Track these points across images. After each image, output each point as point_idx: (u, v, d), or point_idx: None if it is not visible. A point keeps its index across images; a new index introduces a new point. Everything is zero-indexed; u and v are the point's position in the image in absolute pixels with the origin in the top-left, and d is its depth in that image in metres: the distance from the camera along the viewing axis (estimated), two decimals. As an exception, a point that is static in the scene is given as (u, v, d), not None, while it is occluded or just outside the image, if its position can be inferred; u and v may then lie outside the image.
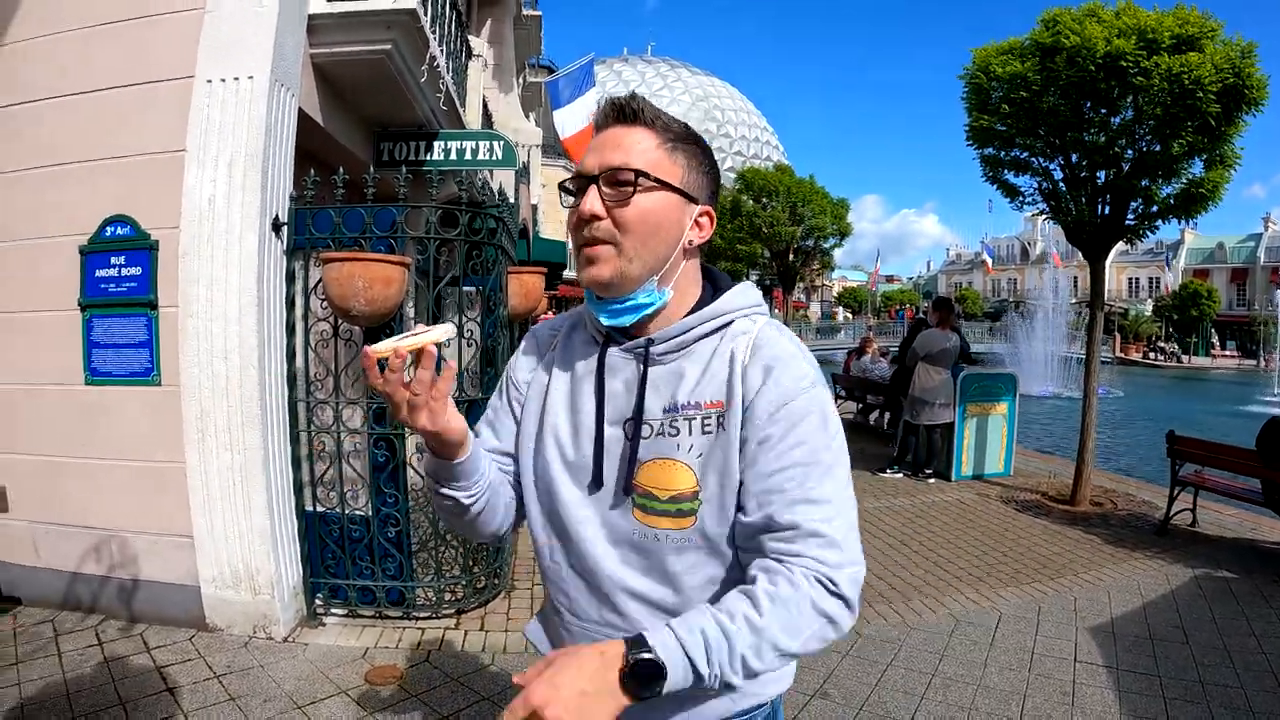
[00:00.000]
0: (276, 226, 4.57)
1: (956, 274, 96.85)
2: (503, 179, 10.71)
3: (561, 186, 1.43)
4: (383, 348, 1.23)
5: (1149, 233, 7.96)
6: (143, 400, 4.60)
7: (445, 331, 1.27)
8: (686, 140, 1.40)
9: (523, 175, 12.40)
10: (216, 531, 4.50)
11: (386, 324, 4.54)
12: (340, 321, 4.55)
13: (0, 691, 3.87)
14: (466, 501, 1.43)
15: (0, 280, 4.81)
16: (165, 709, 3.75)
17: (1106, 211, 7.78)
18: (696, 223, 1.41)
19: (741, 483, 1.34)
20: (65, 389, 4.71)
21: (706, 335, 1.41)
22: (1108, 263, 8.28)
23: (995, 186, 8.55)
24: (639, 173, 1.32)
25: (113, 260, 4.57)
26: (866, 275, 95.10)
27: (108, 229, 4.57)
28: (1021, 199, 8.50)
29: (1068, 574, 6.11)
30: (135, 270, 4.54)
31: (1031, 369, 33.04)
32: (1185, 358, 59.14)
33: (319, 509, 4.78)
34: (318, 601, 4.81)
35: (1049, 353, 37.20)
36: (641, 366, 1.40)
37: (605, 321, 1.40)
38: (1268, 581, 5.98)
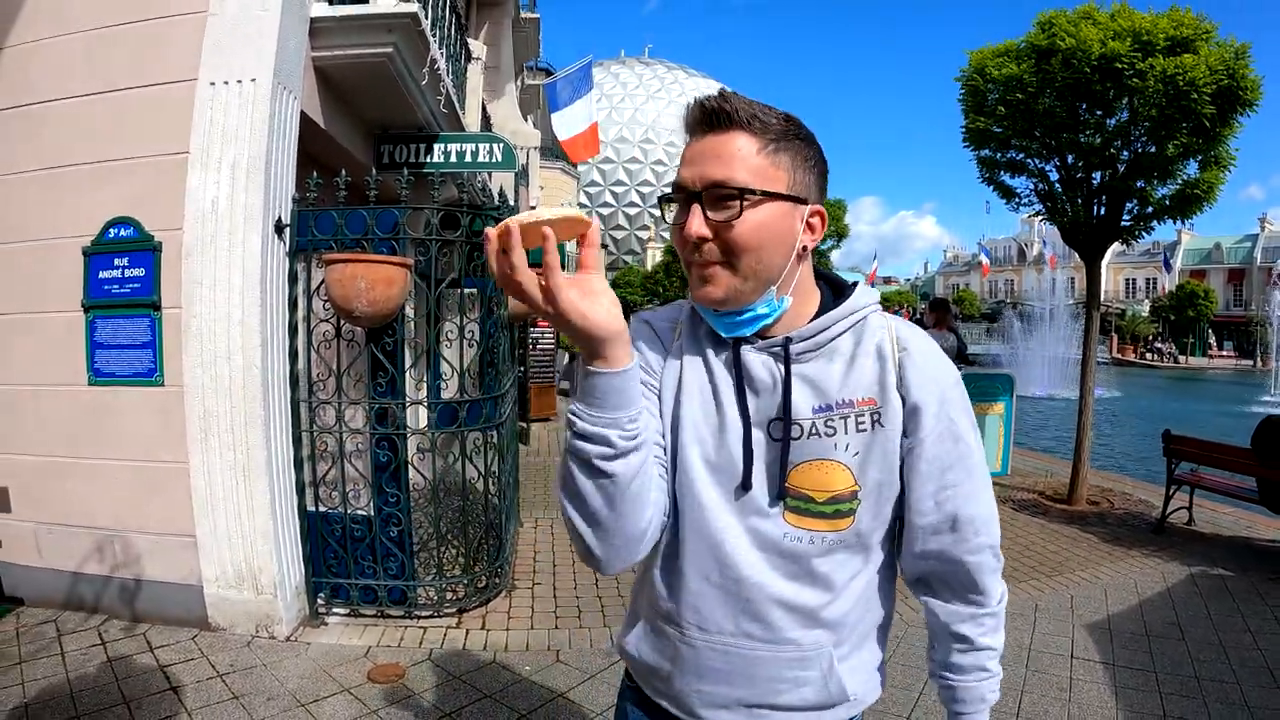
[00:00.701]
0: (279, 228, 4.60)
1: (954, 275, 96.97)
2: (502, 181, 10.76)
3: (662, 200, 1.36)
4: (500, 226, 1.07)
5: (1144, 234, 7.99)
6: (146, 401, 4.62)
7: (570, 209, 1.10)
8: (788, 137, 1.29)
9: (522, 177, 12.44)
10: (219, 531, 4.53)
11: (388, 326, 4.57)
12: (342, 322, 4.59)
13: (3, 691, 3.88)
14: (624, 444, 1.18)
15: (4, 281, 4.84)
16: (169, 708, 3.78)
17: (1102, 212, 7.81)
18: (808, 225, 1.32)
19: (905, 480, 1.36)
20: (69, 389, 4.73)
21: (843, 333, 1.36)
22: (1105, 263, 8.29)
23: (991, 188, 8.56)
24: (744, 190, 1.23)
25: (116, 262, 4.60)
26: (863, 277, 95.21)
27: (111, 230, 4.60)
28: (1018, 200, 8.53)
29: (1065, 572, 6.14)
30: (138, 271, 4.57)
31: (1028, 370, 33.07)
32: (1182, 358, 59.22)
33: (321, 509, 4.80)
34: (320, 601, 4.83)
35: (1045, 353, 37.22)
36: (782, 366, 1.33)
37: (724, 333, 1.35)
38: (1263, 579, 6.02)
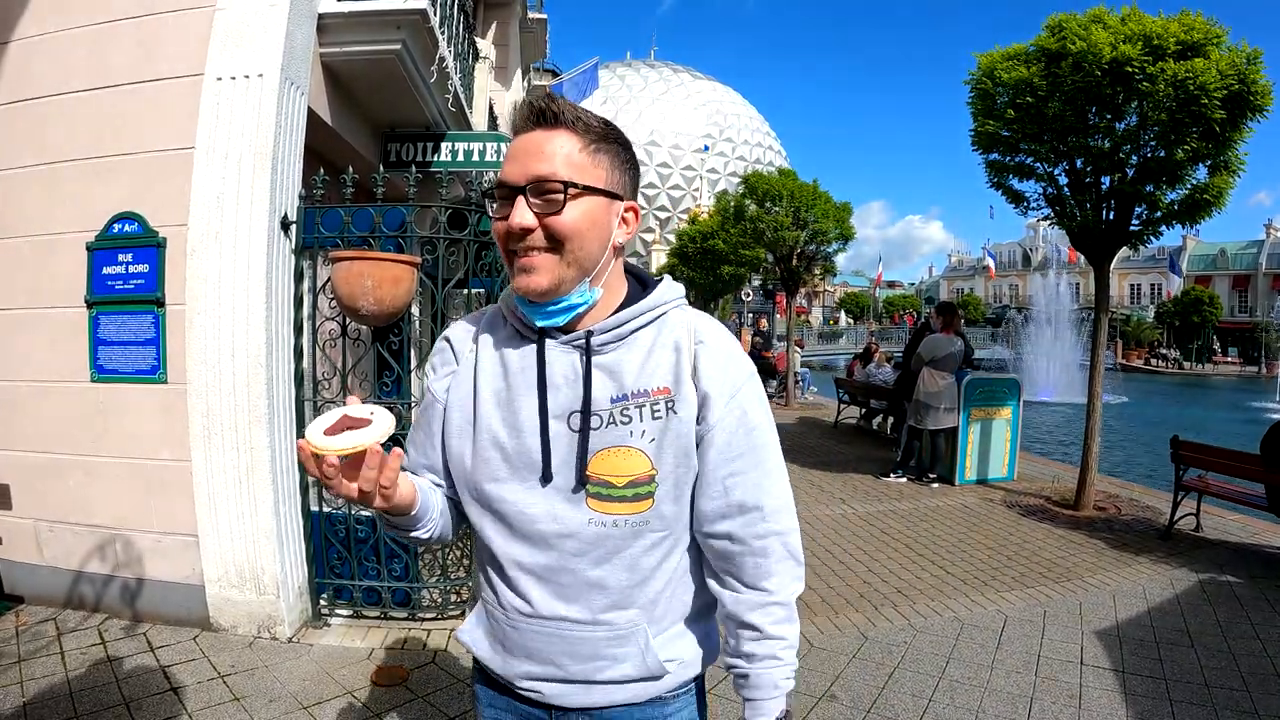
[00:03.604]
0: (285, 225, 4.58)
1: (958, 280, 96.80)
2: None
3: (485, 194, 1.44)
4: (321, 446, 1.19)
5: (1153, 238, 7.95)
6: (149, 398, 4.60)
7: (386, 425, 1.25)
8: (608, 139, 1.40)
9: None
10: (222, 531, 4.50)
11: (394, 325, 4.54)
12: (348, 321, 4.56)
13: (2, 690, 3.86)
14: (425, 536, 1.51)
15: (7, 277, 4.82)
16: (169, 709, 3.75)
17: (1111, 217, 7.78)
18: (623, 219, 1.43)
19: (698, 467, 1.43)
20: (71, 386, 4.71)
21: (644, 326, 1.44)
22: (1110, 268, 8.26)
23: (1000, 192, 8.53)
24: (567, 184, 1.32)
25: (120, 257, 4.58)
26: (869, 281, 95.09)
27: (115, 226, 4.57)
28: (1026, 204, 8.49)
29: (1072, 578, 6.10)
30: (143, 267, 4.55)
31: (1034, 375, 33.05)
32: (1187, 364, 59.17)
33: (325, 509, 4.78)
34: (323, 602, 4.81)
35: (1051, 358, 37.19)
36: (584, 358, 1.41)
37: (539, 323, 1.41)
38: (1272, 586, 5.97)
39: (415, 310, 4.88)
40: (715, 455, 1.41)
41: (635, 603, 1.43)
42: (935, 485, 9.50)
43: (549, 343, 1.43)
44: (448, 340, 1.59)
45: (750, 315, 34.45)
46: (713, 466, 1.42)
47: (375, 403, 4.55)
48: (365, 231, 4.53)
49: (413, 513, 1.42)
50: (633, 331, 1.43)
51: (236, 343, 4.41)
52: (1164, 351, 61.69)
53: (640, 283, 1.53)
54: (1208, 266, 71.23)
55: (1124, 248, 8.16)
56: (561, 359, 1.42)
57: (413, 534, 1.48)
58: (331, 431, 1.21)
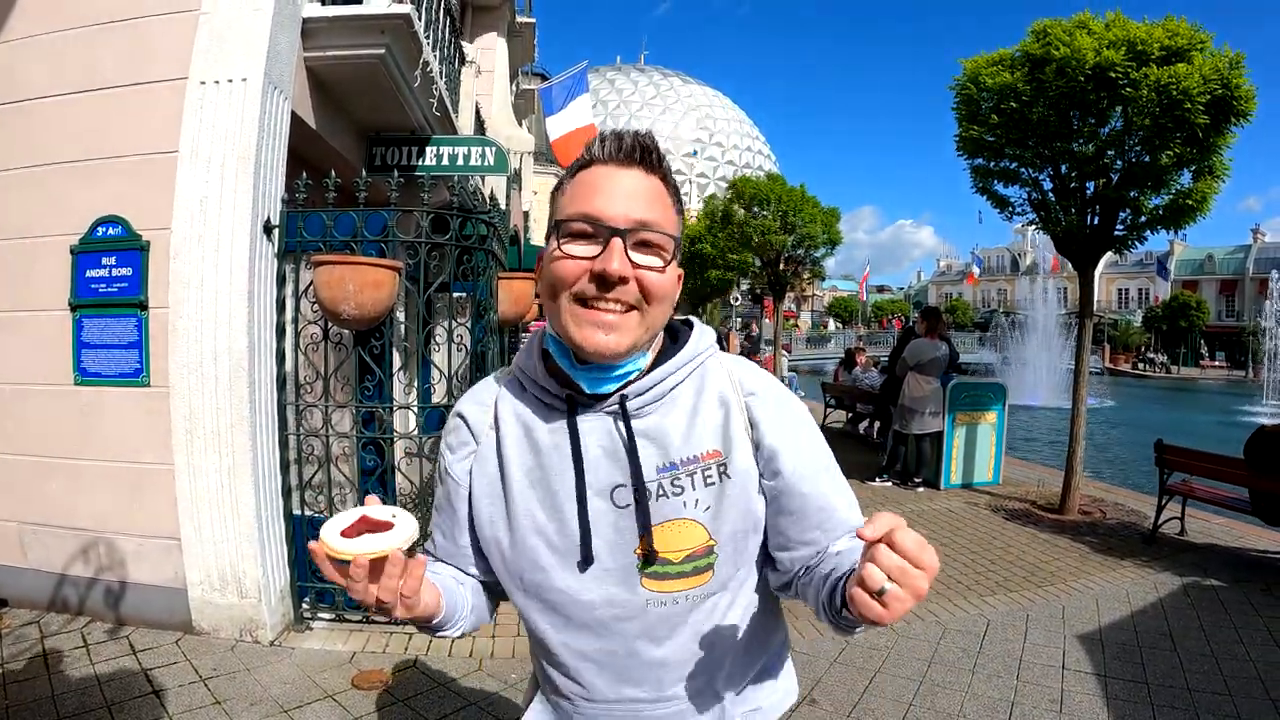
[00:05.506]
0: (268, 229, 4.57)
1: (947, 284, 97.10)
2: (494, 185, 10.73)
3: (559, 225, 1.24)
4: (339, 550, 1.09)
5: (1137, 243, 7.98)
6: (132, 401, 4.58)
7: (410, 530, 1.14)
8: (679, 196, 1.29)
9: (514, 182, 12.41)
10: (204, 534, 4.49)
11: (376, 329, 4.54)
12: (330, 325, 4.55)
13: (-16, 694, 3.84)
14: (457, 633, 1.38)
15: (-10, 279, 4.79)
16: (151, 712, 3.73)
17: (1095, 222, 7.82)
18: (679, 277, 1.30)
19: (774, 520, 1.33)
20: (54, 389, 4.69)
21: (682, 382, 1.31)
22: (1098, 273, 8.29)
23: (984, 197, 8.55)
24: (678, 240, 1.23)
25: (104, 260, 4.56)
26: (855, 284, 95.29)
27: (99, 229, 4.56)
28: (1010, 209, 8.52)
29: (1056, 582, 6.12)
30: (126, 271, 4.53)
31: (1021, 379, 33.15)
32: (1174, 368, 59.46)
33: (307, 513, 4.76)
34: (305, 606, 4.79)
35: (1038, 363, 37.32)
36: (623, 426, 1.27)
37: (591, 389, 1.27)
38: (1255, 590, 6.00)
39: (401, 315, 4.88)
40: (799, 505, 1.31)
41: (703, 670, 1.33)
42: (920, 490, 9.53)
43: (583, 413, 1.30)
44: (461, 417, 1.42)
45: (739, 320, 34.42)
46: (797, 518, 1.31)
47: (358, 406, 4.55)
48: (348, 235, 4.52)
49: (435, 620, 1.29)
50: (672, 389, 1.30)
51: (219, 346, 4.40)
52: (1151, 356, 62.03)
53: (670, 334, 1.39)
54: (1195, 271, 71.58)
55: (1111, 253, 8.20)
56: (596, 428, 1.28)
57: (441, 634, 1.34)
58: (350, 533, 1.12)
